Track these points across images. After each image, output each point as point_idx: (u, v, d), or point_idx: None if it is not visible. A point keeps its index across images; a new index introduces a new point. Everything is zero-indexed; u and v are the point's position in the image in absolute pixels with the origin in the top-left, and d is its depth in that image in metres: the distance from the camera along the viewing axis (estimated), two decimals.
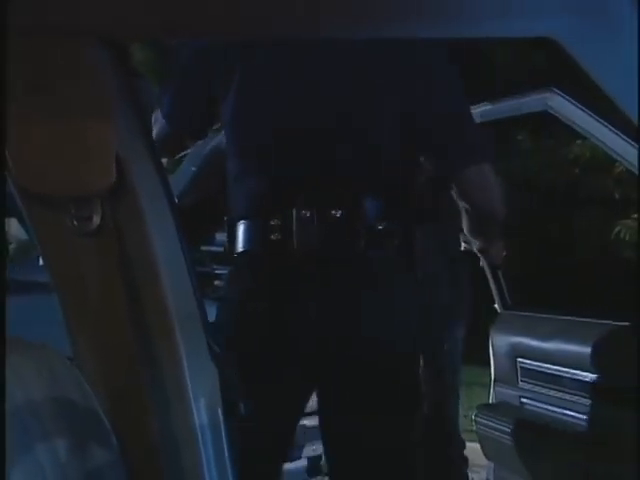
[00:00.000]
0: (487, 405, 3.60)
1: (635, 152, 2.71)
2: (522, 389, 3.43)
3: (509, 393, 3.50)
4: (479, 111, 3.37)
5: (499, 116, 3.34)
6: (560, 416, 3.17)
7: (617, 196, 8.24)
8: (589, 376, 3.04)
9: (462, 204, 2.14)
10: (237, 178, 2.01)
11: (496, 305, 3.72)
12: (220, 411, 1.46)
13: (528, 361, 3.40)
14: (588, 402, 3.03)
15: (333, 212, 1.89)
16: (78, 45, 1.31)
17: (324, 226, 1.88)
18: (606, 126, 2.86)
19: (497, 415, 3.45)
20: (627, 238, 7.76)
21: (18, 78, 1.30)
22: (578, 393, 3.10)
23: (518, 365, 3.46)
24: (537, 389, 3.34)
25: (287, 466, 2.61)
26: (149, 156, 1.44)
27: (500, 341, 3.57)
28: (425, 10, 1.17)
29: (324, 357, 1.93)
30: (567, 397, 3.15)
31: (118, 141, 1.36)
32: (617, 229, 7.90)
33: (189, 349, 1.44)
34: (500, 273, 3.71)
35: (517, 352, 3.47)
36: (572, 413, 3.11)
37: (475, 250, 2.56)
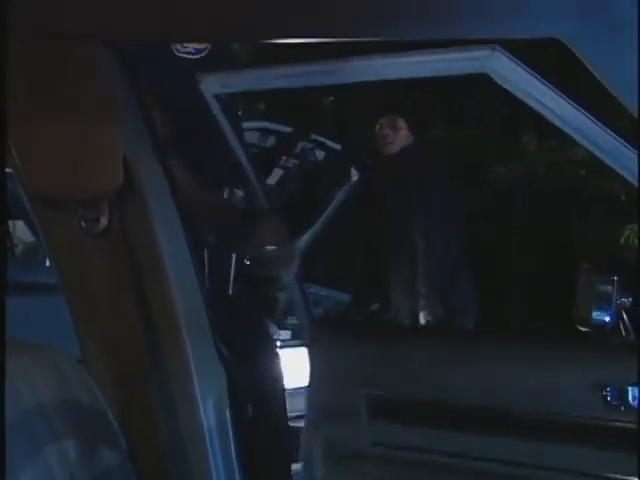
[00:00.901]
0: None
1: (594, 126, 2.25)
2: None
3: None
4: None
5: (422, 74, 2.25)
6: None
7: (624, 198, 8.21)
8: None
9: None
10: None
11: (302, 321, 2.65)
12: (228, 412, 1.46)
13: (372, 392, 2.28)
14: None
15: None
16: (86, 48, 1.31)
17: None
18: (563, 98, 2.12)
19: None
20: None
21: (27, 81, 1.31)
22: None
23: (361, 397, 2.28)
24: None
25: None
26: (156, 158, 1.44)
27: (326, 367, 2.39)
28: (433, 11, 1.17)
29: None
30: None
31: (125, 143, 1.36)
32: (627, 234, 7.86)
33: (197, 350, 1.44)
34: (304, 286, 2.63)
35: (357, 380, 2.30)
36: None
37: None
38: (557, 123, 2.18)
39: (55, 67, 1.32)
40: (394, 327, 2.65)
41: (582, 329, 2.07)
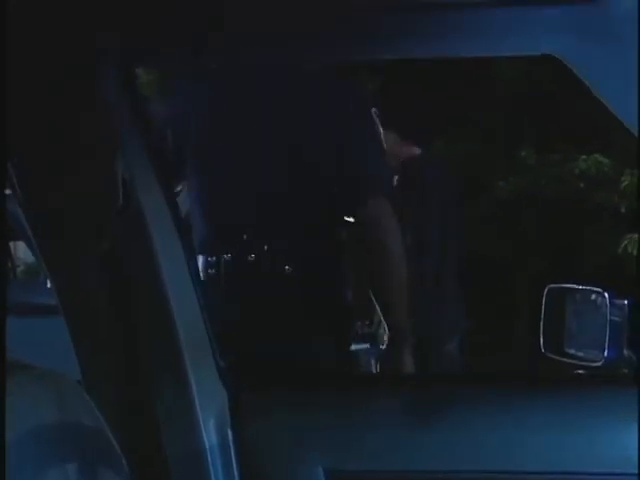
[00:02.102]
0: None
1: None
2: None
3: None
4: None
5: None
6: None
7: (623, 210, 8.20)
8: None
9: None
10: None
11: None
12: (230, 431, 1.46)
13: None
14: None
15: None
16: (89, 69, 1.32)
17: None
18: None
19: None
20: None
21: (28, 101, 1.32)
22: None
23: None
24: None
25: None
26: (156, 178, 1.44)
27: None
28: (433, 29, 1.17)
29: None
30: None
31: (124, 164, 1.37)
32: (625, 243, 7.85)
33: (197, 370, 1.44)
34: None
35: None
36: None
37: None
38: None
39: (57, 87, 1.33)
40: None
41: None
